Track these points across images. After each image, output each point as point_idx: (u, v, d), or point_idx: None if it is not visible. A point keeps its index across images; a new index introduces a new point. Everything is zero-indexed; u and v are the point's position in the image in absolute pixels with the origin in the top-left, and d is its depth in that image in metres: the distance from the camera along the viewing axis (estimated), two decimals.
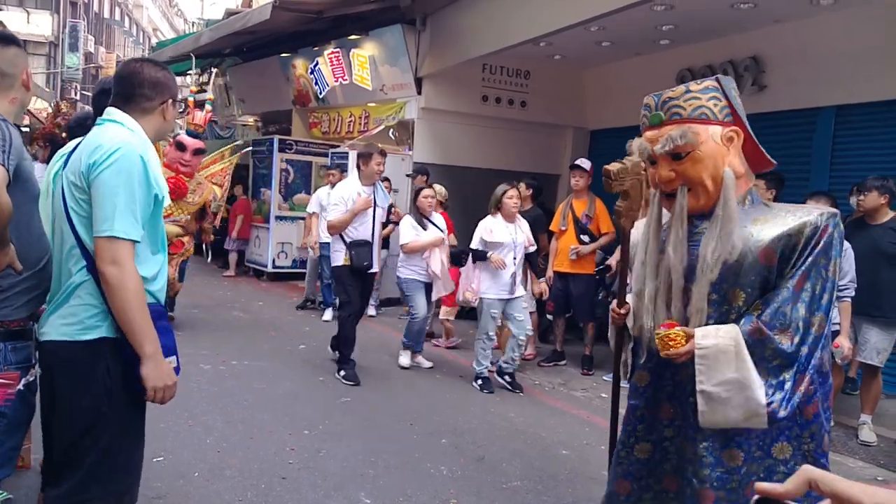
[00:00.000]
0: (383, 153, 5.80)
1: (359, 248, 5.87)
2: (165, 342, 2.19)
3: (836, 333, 4.63)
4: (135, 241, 2.07)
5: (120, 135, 2.13)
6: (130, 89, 2.26)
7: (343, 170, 8.55)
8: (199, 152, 6.50)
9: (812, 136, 7.19)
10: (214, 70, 15.77)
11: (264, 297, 9.99)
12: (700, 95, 2.05)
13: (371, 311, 8.87)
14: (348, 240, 5.88)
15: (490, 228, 5.95)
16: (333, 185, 8.32)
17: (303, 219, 11.30)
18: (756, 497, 0.60)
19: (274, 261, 11.24)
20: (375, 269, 6.19)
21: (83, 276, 2.08)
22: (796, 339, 1.96)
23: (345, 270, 5.95)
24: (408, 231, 6.42)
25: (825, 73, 6.78)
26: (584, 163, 6.94)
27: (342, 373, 5.92)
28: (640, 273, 2.24)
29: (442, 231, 6.54)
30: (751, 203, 2.13)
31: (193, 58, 12.00)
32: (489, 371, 6.15)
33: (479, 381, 5.98)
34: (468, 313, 8.14)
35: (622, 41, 7.74)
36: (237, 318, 8.38)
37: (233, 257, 11.73)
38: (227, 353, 6.46)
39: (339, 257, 5.97)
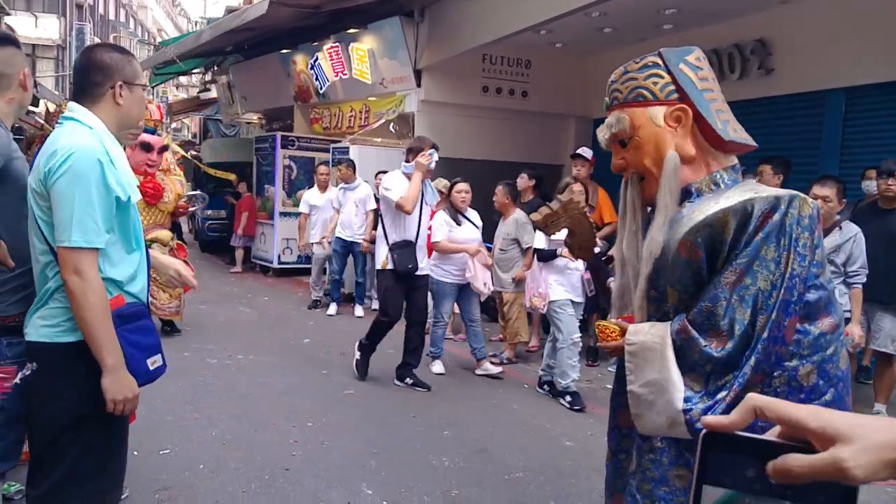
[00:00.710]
0: (435, 146, 5.36)
1: (401, 250, 5.42)
2: (148, 341, 2.16)
3: (847, 321, 4.58)
4: (97, 248, 2.02)
5: (75, 136, 2.04)
6: (81, 78, 2.17)
7: (349, 165, 8.52)
8: (164, 149, 6.03)
9: (821, 119, 7.11)
10: (215, 67, 15.83)
11: (270, 292, 10.02)
12: (636, 75, 1.86)
13: (375, 304, 8.86)
14: (390, 241, 5.46)
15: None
16: (343, 184, 8.42)
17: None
18: (704, 432, 0.57)
19: (279, 256, 11.27)
20: (425, 271, 5.70)
21: (58, 280, 2.04)
22: (729, 344, 1.69)
23: (388, 274, 5.51)
24: (440, 228, 6.01)
25: (834, 54, 6.70)
26: (586, 152, 6.92)
27: (357, 356, 5.81)
28: (619, 261, 2.09)
29: (477, 227, 6.27)
30: (715, 188, 1.84)
31: (173, 61, 11.97)
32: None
33: (568, 398, 5.29)
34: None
35: (624, 27, 7.67)
36: (243, 313, 8.42)
37: (239, 253, 11.78)
38: (234, 347, 6.49)
39: (381, 260, 5.57)
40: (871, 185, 5.71)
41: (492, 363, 6.18)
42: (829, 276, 4.09)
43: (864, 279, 4.63)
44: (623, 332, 1.91)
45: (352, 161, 8.74)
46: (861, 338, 4.71)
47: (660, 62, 1.85)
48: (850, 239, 4.56)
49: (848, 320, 4.57)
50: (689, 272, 1.80)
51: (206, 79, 18.84)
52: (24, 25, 28.50)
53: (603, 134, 1.93)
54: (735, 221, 1.70)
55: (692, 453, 1.75)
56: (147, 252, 2.30)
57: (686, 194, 1.84)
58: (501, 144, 9.75)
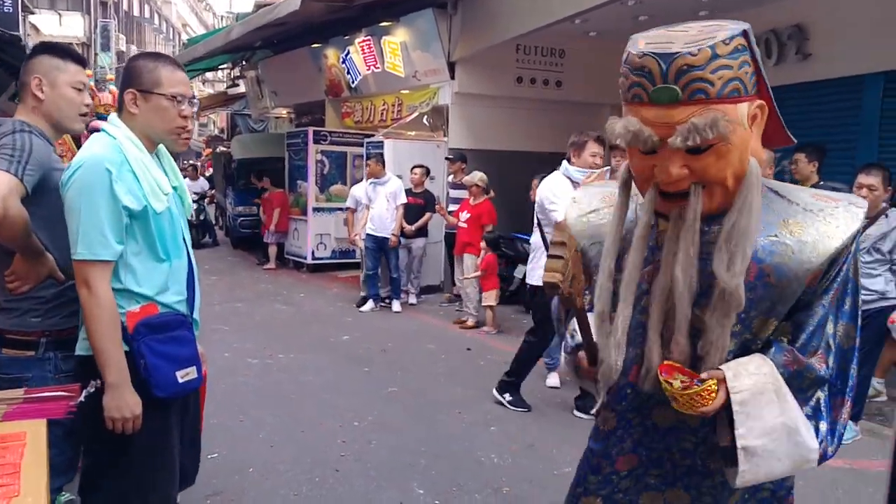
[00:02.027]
0: (601, 139, 4.75)
1: None
2: (182, 353, 2.12)
3: (893, 308, 4.48)
4: (107, 261, 1.99)
5: (92, 147, 2.03)
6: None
7: (379, 160, 8.49)
8: None
9: (860, 104, 6.94)
10: (243, 63, 15.89)
11: (305, 288, 10.05)
12: (730, 62, 1.44)
13: (412, 298, 8.90)
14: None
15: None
16: (372, 178, 8.37)
17: (341, 209, 11.40)
18: None
19: (313, 252, 11.29)
20: None
21: None
22: (830, 361, 1.59)
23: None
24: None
25: (872, 38, 6.53)
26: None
27: (508, 397, 5.08)
28: (606, 288, 1.65)
29: None
30: (765, 194, 1.61)
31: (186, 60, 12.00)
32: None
33: None
34: (509, 298, 8.12)
35: (660, 14, 7.53)
36: (280, 310, 8.45)
37: (272, 250, 11.82)
38: (273, 346, 6.52)
39: (538, 274, 4.90)
40: None
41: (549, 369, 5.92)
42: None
43: None
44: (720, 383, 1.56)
45: (381, 155, 8.72)
46: None
47: (747, 45, 1.48)
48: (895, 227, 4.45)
49: (894, 308, 4.46)
50: (795, 299, 1.60)
51: (234, 74, 18.93)
52: (49, 24, 28.88)
53: (682, 139, 1.44)
54: (852, 240, 1.57)
55: None
56: (191, 261, 2.26)
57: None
58: (537, 135, 9.64)
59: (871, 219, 4.51)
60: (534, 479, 3.90)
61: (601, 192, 1.86)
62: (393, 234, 8.26)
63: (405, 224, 8.48)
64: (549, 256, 1.56)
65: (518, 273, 8.15)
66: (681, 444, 1.73)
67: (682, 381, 1.52)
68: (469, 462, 4.11)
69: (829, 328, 1.59)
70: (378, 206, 8.35)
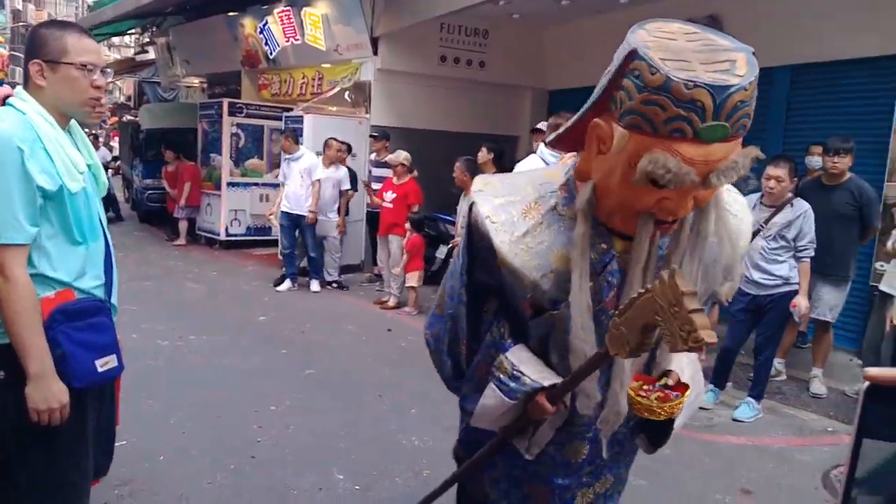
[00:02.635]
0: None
1: None
2: (100, 340, 2.01)
3: (795, 293, 4.69)
4: (21, 245, 1.86)
5: (0, 122, 1.88)
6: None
7: (290, 136, 8.23)
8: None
9: (768, 95, 7.22)
10: (153, 29, 15.21)
11: (218, 266, 9.73)
12: (755, 93, 1.35)
13: (334, 275, 8.72)
14: None
15: None
16: (286, 155, 8.09)
17: (256, 184, 11.09)
18: (866, 385, 0.56)
19: (227, 228, 10.94)
20: None
21: None
22: None
23: None
24: None
25: (781, 32, 6.79)
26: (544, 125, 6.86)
27: None
28: (589, 328, 1.55)
29: None
30: None
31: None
32: None
33: None
34: (431, 278, 8.09)
35: (582, 0, 7.62)
36: (192, 289, 8.15)
37: (183, 225, 11.38)
38: (185, 327, 6.27)
39: None
40: (813, 161, 5.86)
41: None
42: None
43: (813, 253, 4.75)
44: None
45: (293, 131, 8.47)
46: (808, 309, 4.82)
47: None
48: (800, 215, 4.65)
49: (796, 292, 4.67)
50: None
51: (144, 40, 18.08)
52: None
53: (726, 176, 1.37)
54: None
55: None
56: (108, 243, 2.13)
57: None
58: (459, 115, 9.61)
59: (777, 208, 4.70)
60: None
61: (508, 203, 1.66)
62: (310, 211, 8.02)
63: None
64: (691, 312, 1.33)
65: (440, 253, 8.13)
66: (615, 437, 1.77)
67: (656, 395, 1.51)
68: (390, 445, 4.07)
69: None
70: (292, 182, 8.10)
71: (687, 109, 1.28)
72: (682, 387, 1.55)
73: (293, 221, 8.15)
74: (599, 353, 1.47)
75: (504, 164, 7.06)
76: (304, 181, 8.05)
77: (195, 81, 16.25)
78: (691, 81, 1.26)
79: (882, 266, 5.41)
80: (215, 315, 6.90)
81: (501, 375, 1.67)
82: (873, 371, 0.56)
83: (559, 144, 1.71)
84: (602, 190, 1.49)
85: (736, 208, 1.67)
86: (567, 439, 1.75)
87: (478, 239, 1.66)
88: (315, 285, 8.26)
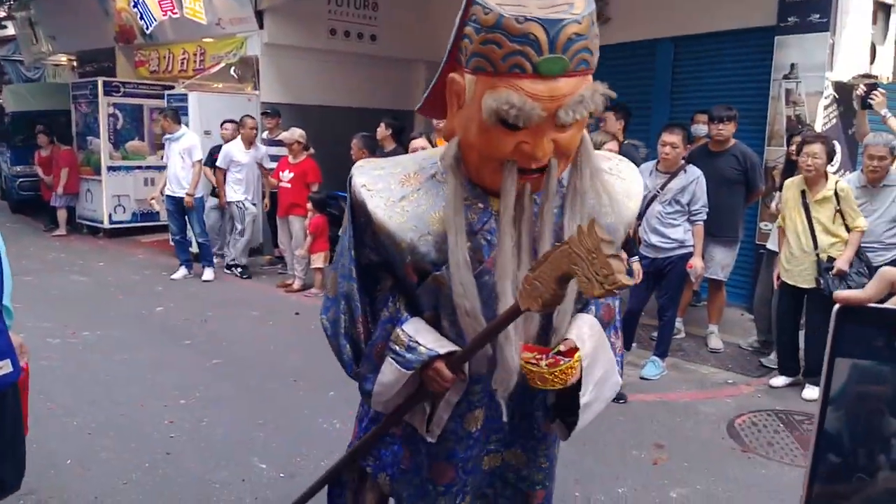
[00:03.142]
0: None
1: None
2: None
3: (690, 255, 4.93)
4: None
5: None
6: None
7: (170, 115, 7.81)
8: None
9: (653, 66, 7.51)
10: (11, 2, 14.08)
11: (104, 256, 9.22)
12: (597, 32, 1.41)
13: (243, 259, 8.43)
14: None
15: None
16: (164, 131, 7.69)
17: (140, 168, 10.55)
18: (837, 307, 0.58)
19: (111, 216, 10.36)
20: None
21: None
22: (616, 302, 1.79)
23: None
24: None
25: (664, 5, 7.06)
26: None
27: None
28: (471, 283, 1.52)
29: None
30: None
31: None
32: None
33: None
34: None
35: None
36: (78, 282, 7.69)
37: (62, 214, 10.68)
38: (75, 323, 5.92)
39: None
40: (699, 129, 6.16)
41: None
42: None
43: (705, 217, 5.00)
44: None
45: (173, 110, 8.02)
46: (703, 269, 5.09)
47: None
48: (693, 181, 4.88)
49: (691, 254, 4.92)
50: None
51: (0, 14, 16.68)
52: None
53: (573, 113, 1.37)
54: None
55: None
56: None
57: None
58: (354, 90, 9.45)
59: (671, 174, 4.92)
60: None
61: (387, 173, 1.64)
62: (187, 194, 7.61)
63: (217, 185, 8.06)
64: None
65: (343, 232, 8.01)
66: (518, 409, 1.76)
67: (547, 361, 1.49)
68: (311, 430, 4.02)
69: None
70: (173, 164, 7.67)
71: (521, 44, 1.31)
72: (573, 351, 1.53)
73: (178, 205, 7.75)
74: (509, 310, 1.45)
75: (403, 139, 7.03)
76: (184, 162, 7.66)
77: (63, 59, 15.18)
78: (522, 16, 1.30)
79: (767, 226, 5.79)
80: (107, 308, 6.55)
81: (398, 348, 1.63)
82: (843, 293, 0.59)
83: (431, 111, 1.71)
84: (465, 144, 1.51)
85: (625, 173, 1.69)
86: (466, 409, 1.72)
87: (358, 211, 1.63)
88: (208, 273, 7.82)
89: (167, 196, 7.81)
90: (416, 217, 1.57)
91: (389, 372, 1.64)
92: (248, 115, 7.97)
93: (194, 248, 8.14)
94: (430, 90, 1.61)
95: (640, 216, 4.82)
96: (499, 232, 1.51)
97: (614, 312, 1.74)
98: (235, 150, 7.88)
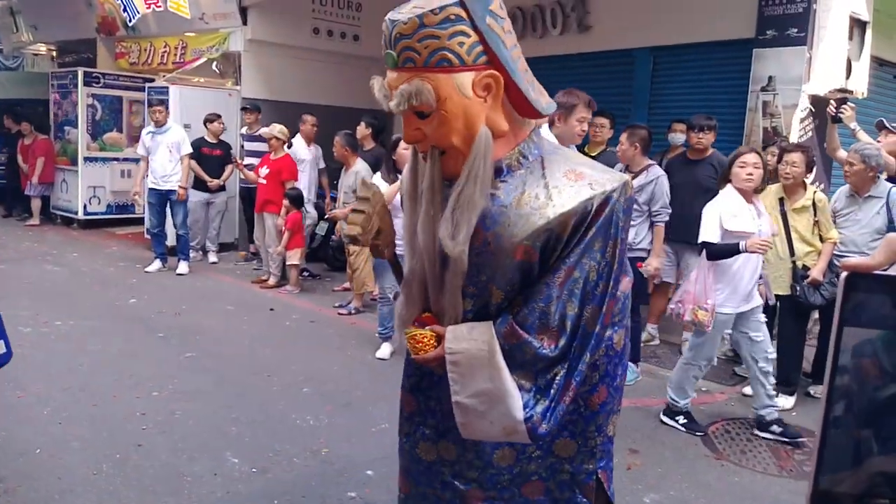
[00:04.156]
0: (591, 104, 4.03)
1: None
2: None
3: (640, 259, 4.97)
4: None
5: None
6: None
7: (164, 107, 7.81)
8: None
9: (632, 75, 7.59)
10: None
11: (78, 246, 9.13)
12: (438, 32, 1.47)
13: (212, 257, 8.46)
14: None
15: (733, 211, 4.06)
16: (157, 124, 7.66)
17: (116, 160, 10.46)
18: (845, 274, 0.58)
19: (85, 207, 10.26)
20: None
21: None
22: (562, 341, 1.58)
23: None
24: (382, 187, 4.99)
25: (644, 15, 7.14)
26: None
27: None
28: (410, 244, 1.75)
29: None
30: (524, 161, 1.64)
31: None
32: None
33: (683, 420, 4.32)
34: (310, 255, 7.97)
35: None
36: (52, 272, 7.61)
37: (36, 204, 10.57)
38: (48, 312, 5.87)
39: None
40: (676, 137, 6.23)
41: (339, 314, 6.16)
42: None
43: (667, 218, 5.02)
44: (439, 338, 1.64)
45: (165, 102, 8.03)
46: (656, 270, 5.08)
47: (464, 15, 1.48)
48: (653, 181, 4.93)
49: (641, 258, 4.96)
50: (519, 273, 1.61)
51: None
52: None
53: (396, 103, 1.51)
54: (574, 222, 1.55)
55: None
56: None
57: (496, 172, 1.60)
58: (335, 89, 9.44)
59: (633, 173, 4.97)
60: (352, 437, 3.90)
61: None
62: (181, 187, 7.63)
63: (207, 177, 8.05)
64: (352, 211, 1.74)
65: (320, 230, 8.01)
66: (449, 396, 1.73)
67: (414, 329, 1.67)
68: (284, 426, 4.02)
69: (571, 308, 1.57)
70: (159, 157, 7.61)
71: (384, 40, 1.56)
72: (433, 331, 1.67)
73: (162, 198, 7.71)
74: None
75: (383, 139, 7.06)
76: (172, 156, 7.63)
77: (43, 49, 14.98)
78: (388, 17, 1.54)
79: None
80: (81, 299, 6.49)
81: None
82: (851, 261, 0.60)
83: None
84: None
85: (563, 195, 1.58)
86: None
87: None
88: (183, 267, 7.77)
89: (150, 189, 7.70)
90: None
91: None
92: (308, 113, 7.90)
93: (170, 242, 8.07)
94: None
95: None
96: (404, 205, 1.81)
97: (526, 342, 1.57)
98: (300, 148, 7.84)
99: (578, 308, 1.57)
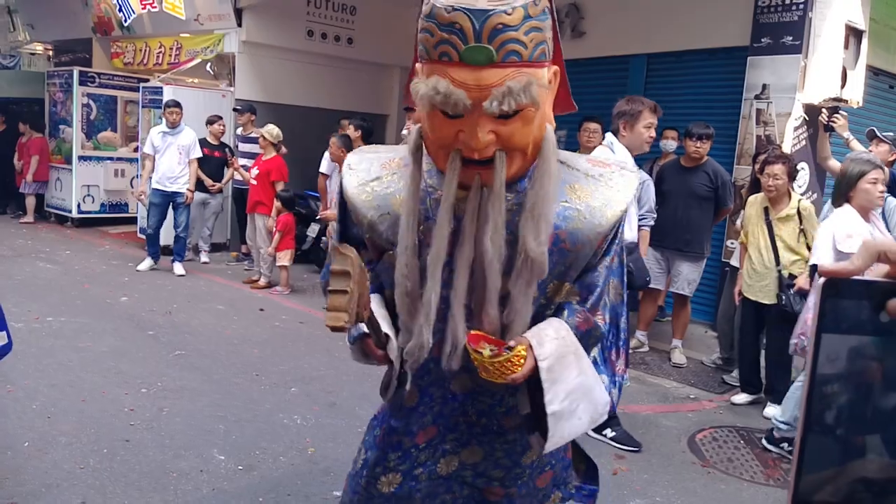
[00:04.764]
0: (657, 109, 3.98)
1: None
2: None
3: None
4: None
5: None
6: None
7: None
8: None
9: (626, 82, 7.62)
10: None
11: (71, 245, 9.12)
12: (541, 24, 1.39)
13: (204, 257, 8.46)
14: None
15: (848, 231, 3.80)
16: (173, 125, 7.56)
17: (111, 159, 10.46)
18: (823, 280, 0.57)
19: (79, 205, 10.26)
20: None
21: None
22: (606, 316, 1.65)
23: None
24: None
25: (638, 22, 7.19)
26: None
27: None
28: (414, 266, 1.55)
29: None
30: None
31: None
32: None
33: (788, 447, 4.09)
34: (301, 257, 7.98)
35: None
36: (44, 269, 7.60)
37: (30, 202, 10.57)
38: (39, 309, 5.87)
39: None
40: (668, 144, 6.28)
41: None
42: None
43: (652, 222, 4.99)
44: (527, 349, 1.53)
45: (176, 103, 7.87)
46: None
47: (550, 7, 1.42)
48: (639, 185, 4.93)
49: None
50: (586, 262, 1.61)
51: None
52: None
53: (497, 103, 1.36)
54: (628, 205, 1.62)
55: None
56: None
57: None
58: (328, 92, 9.48)
59: None
60: (338, 437, 3.91)
61: (376, 157, 1.72)
62: (189, 190, 7.61)
63: (210, 181, 8.05)
64: (330, 292, 1.39)
65: (311, 232, 8.02)
66: (477, 406, 1.73)
67: (490, 350, 1.49)
68: (271, 424, 4.03)
69: (606, 285, 1.65)
70: (168, 158, 7.55)
71: (448, 32, 1.34)
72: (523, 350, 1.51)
73: (166, 199, 7.66)
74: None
75: (373, 142, 7.08)
76: (181, 158, 7.59)
77: (39, 48, 15.00)
78: (451, 6, 1.33)
79: (732, 243, 5.89)
80: (73, 296, 6.49)
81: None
82: (829, 266, 0.57)
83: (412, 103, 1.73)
84: (424, 132, 1.54)
85: (615, 180, 1.63)
86: (411, 381, 1.72)
87: (342, 186, 1.72)
88: (180, 268, 7.74)
89: (155, 189, 7.63)
90: (381, 197, 1.63)
91: (348, 341, 1.74)
92: (347, 119, 7.71)
93: (162, 241, 8.05)
94: (407, 82, 1.65)
95: None
96: (438, 218, 1.52)
97: (596, 325, 1.62)
98: (326, 167, 7.73)
99: (615, 279, 1.66)
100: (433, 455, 1.77)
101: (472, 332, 1.53)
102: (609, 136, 4.10)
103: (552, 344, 1.51)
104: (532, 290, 1.52)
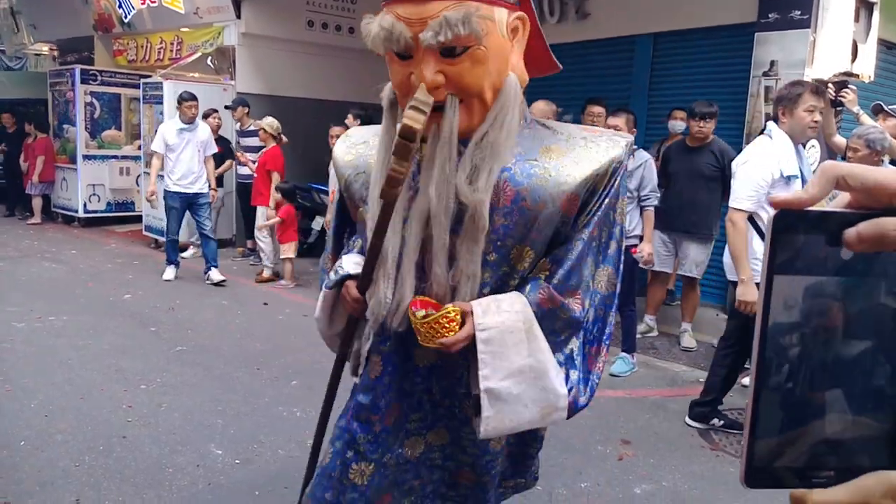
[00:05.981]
0: (818, 90, 3.67)
1: None
2: None
3: (640, 239, 4.89)
4: None
5: None
6: None
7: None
8: None
9: (632, 62, 7.49)
10: None
11: (78, 244, 9.10)
12: None
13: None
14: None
15: (787, 156, 3.64)
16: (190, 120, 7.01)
17: (115, 157, 10.44)
18: (775, 213, 0.48)
19: (85, 205, 10.25)
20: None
21: None
22: (586, 302, 1.51)
23: None
24: None
25: (643, 1, 7.04)
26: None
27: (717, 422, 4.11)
28: (375, 216, 1.49)
29: None
30: (526, 121, 1.53)
31: None
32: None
33: None
34: (307, 250, 7.93)
35: None
36: (49, 269, 7.58)
37: (37, 202, 10.58)
38: (42, 308, 5.84)
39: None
40: (676, 125, 6.13)
41: None
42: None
43: (656, 202, 4.92)
44: (465, 315, 1.44)
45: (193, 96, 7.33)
46: (650, 255, 4.97)
47: None
48: (640, 165, 4.84)
49: (641, 238, 4.87)
50: (554, 229, 1.49)
51: None
52: None
53: (433, 34, 1.32)
54: (611, 171, 1.49)
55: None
56: None
57: None
58: (329, 82, 9.39)
59: None
60: None
61: (373, 129, 1.69)
62: (213, 189, 7.31)
63: (213, 182, 7.89)
64: (412, 108, 1.34)
65: (316, 225, 7.96)
66: (440, 383, 1.64)
67: (426, 313, 1.43)
68: (270, 418, 3.96)
69: (590, 269, 1.52)
70: (186, 156, 6.93)
71: None
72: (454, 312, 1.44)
73: (185, 202, 7.03)
74: (382, 208, 1.45)
75: None
76: (199, 156, 7.03)
77: (44, 49, 15.04)
78: None
79: None
80: (76, 294, 6.46)
81: (330, 273, 1.72)
82: (780, 196, 0.49)
83: None
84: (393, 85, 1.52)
85: (601, 141, 1.53)
86: (370, 350, 1.68)
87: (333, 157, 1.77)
88: (216, 274, 7.02)
89: (174, 192, 6.95)
90: (362, 157, 1.65)
91: (320, 297, 1.74)
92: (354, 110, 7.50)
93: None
94: None
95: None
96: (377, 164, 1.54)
97: (565, 307, 1.49)
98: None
99: (594, 268, 1.53)
100: (398, 436, 1.69)
101: (422, 297, 1.48)
102: (770, 124, 3.79)
103: (500, 316, 1.43)
104: (478, 248, 1.43)
